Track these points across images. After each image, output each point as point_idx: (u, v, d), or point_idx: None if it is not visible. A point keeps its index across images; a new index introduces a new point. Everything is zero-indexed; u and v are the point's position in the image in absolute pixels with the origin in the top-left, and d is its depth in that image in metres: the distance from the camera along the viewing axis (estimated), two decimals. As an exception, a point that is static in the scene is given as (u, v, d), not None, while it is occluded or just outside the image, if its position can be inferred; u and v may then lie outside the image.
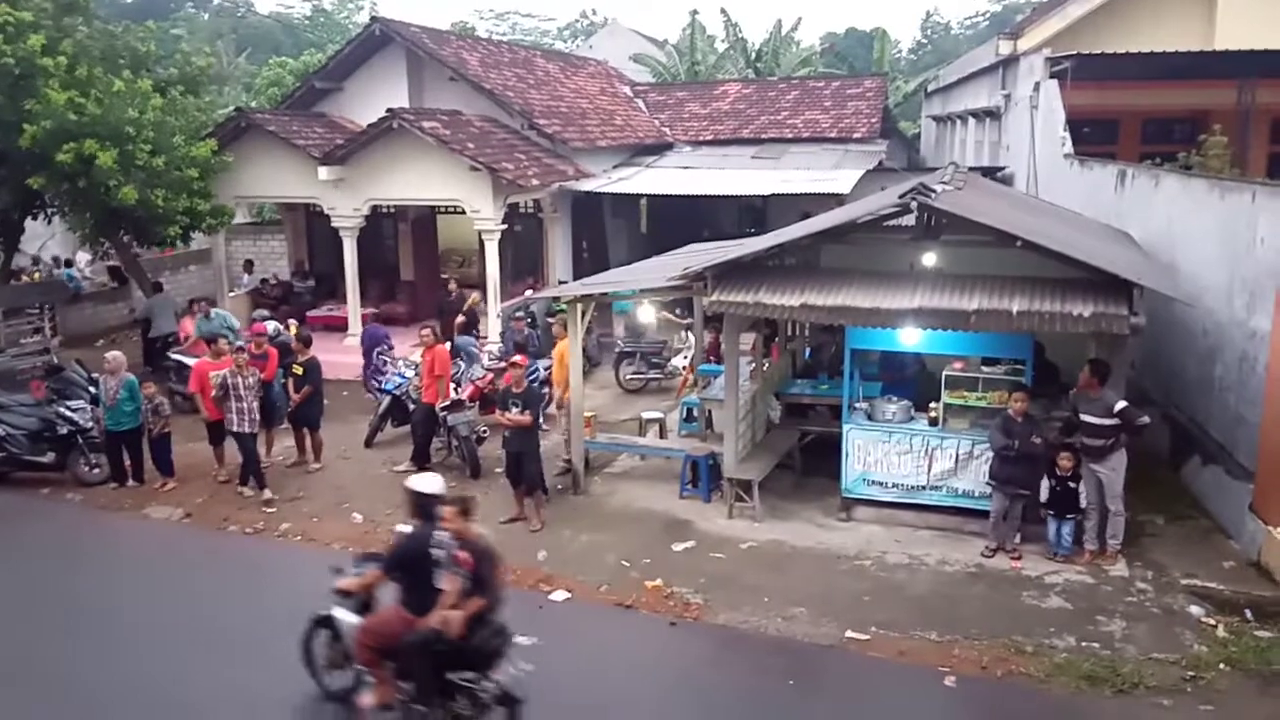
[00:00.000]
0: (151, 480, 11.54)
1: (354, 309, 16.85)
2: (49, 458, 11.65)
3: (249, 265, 20.04)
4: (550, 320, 12.06)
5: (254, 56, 42.92)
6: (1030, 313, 8.68)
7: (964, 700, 7.27)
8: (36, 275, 20.56)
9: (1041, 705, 7.16)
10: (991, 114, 21.85)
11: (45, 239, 21.90)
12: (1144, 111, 19.73)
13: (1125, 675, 7.36)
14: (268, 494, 11.07)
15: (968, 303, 8.88)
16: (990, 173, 19.08)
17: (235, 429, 11.11)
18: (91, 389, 12.10)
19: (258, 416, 11.20)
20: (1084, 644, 7.76)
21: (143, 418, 11.39)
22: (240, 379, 11.01)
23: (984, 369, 9.84)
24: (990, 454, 9.29)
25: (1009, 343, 9.57)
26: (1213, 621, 8.07)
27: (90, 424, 11.65)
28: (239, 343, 12.29)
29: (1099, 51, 16.90)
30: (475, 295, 15.86)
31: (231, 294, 17.94)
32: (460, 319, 14.91)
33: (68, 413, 11.66)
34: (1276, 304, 8.75)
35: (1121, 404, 8.90)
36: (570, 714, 7.09)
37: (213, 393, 11.18)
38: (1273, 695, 7.23)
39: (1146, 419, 9.14)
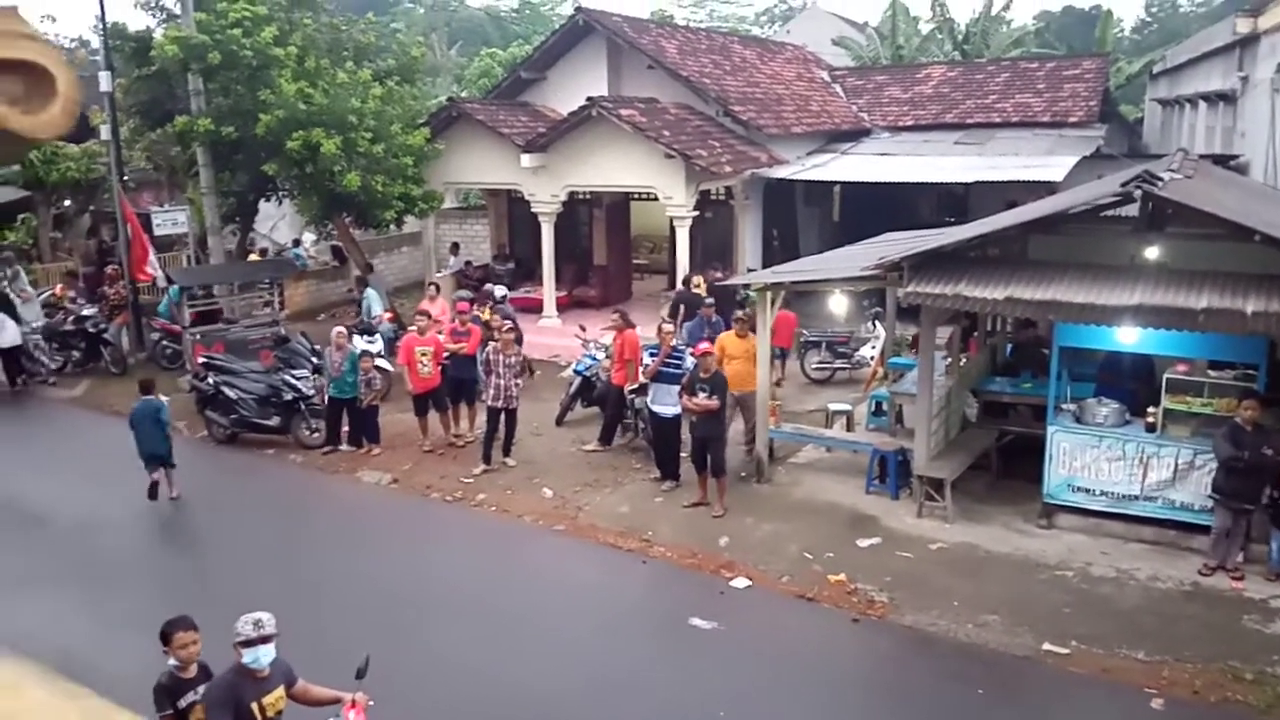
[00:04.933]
0: (364, 446, 12.38)
1: (549, 292, 17.43)
2: (274, 421, 12.71)
3: (455, 248, 21.09)
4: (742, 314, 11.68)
5: (464, 49, 45.07)
6: (1267, 314, 7.91)
7: (1173, 726, 6.77)
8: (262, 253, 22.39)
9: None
10: (1225, 98, 20.00)
11: (276, 220, 23.89)
12: None
13: (1362, 716, 6.65)
14: (511, 462, 11.65)
15: (1195, 300, 8.19)
16: (1223, 161, 17.44)
17: (492, 404, 11.48)
18: (315, 359, 13.13)
19: (515, 394, 11.51)
20: (1314, 677, 7.06)
21: (359, 389, 12.24)
22: (502, 356, 11.38)
23: (1211, 373, 9.07)
24: (1214, 465, 8.56)
25: (1240, 345, 8.79)
26: None
27: (312, 391, 12.63)
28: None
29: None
30: (697, 279, 15.75)
31: (438, 274, 18.93)
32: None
33: (293, 380, 12.68)
34: None
35: None
36: (749, 703, 7.09)
37: (421, 368, 11.90)
38: None
39: None
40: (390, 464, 11.94)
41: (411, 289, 20.65)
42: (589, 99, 16.35)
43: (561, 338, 15.81)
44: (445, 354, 12.23)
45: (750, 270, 16.69)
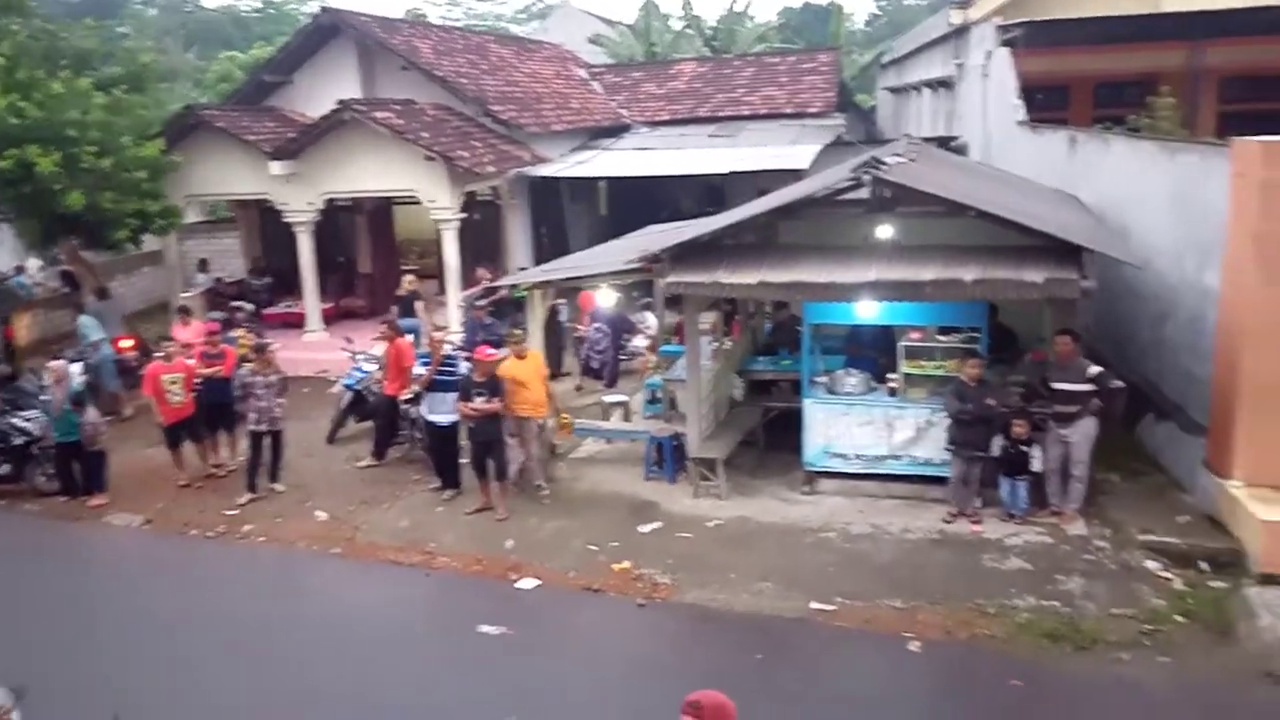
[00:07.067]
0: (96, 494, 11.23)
1: (312, 305, 16.68)
2: (4, 469, 11.46)
3: (203, 264, 19.77)
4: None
5: (203, 51, 42.18)
6: (984, 281, 8.75)
7: (928, 664, 7.37)
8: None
9: (1004, 666, 7.26)
10: (945, 84, 21.95)
11: (-7, 247, 21.47)
12: (1095, 76, 19.86)
13: (1085, 632, 7.50)
14: (280, 487, 11.07)
15: (923, 273, 8.93)
16: (944, 142, 19.18)
17: (254, 428, 10.85)
18: (45, 397, 11.91)
19: (278, 414, 10.92)
20: (1044, 603, 7.90)
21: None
22: (260, 376, 10.75)
23: (940, 338, 9.92)
24: (949, 421, 9.39)
25: (964, 311, 9.67)
26: (1169, 575, 8.23)
27: (43, 433, 11.45)
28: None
29: (1049, 18, 17.01)
30: (409, 277, 15.80)
31: (186, 294, 17.67)
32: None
33: (21, 423, 11.46)
34: (1225, 263, 8.89)
35: (1096, 369, 9.04)
36: (540, 699, 7.10)
37: (171, 397, 11.07)
38: (1228, 644, 7.39)
39: (1121, 384, 9.29)
40: (142, 504, 11.03)
41: (156, 311, 19.15)
42: (341, 102, 15.77)
43: (329, 352, 15.17)
44: (197, 379, 11.43)
45: (521, 269, 16.67)
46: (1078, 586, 8.13)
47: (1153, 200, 10.71)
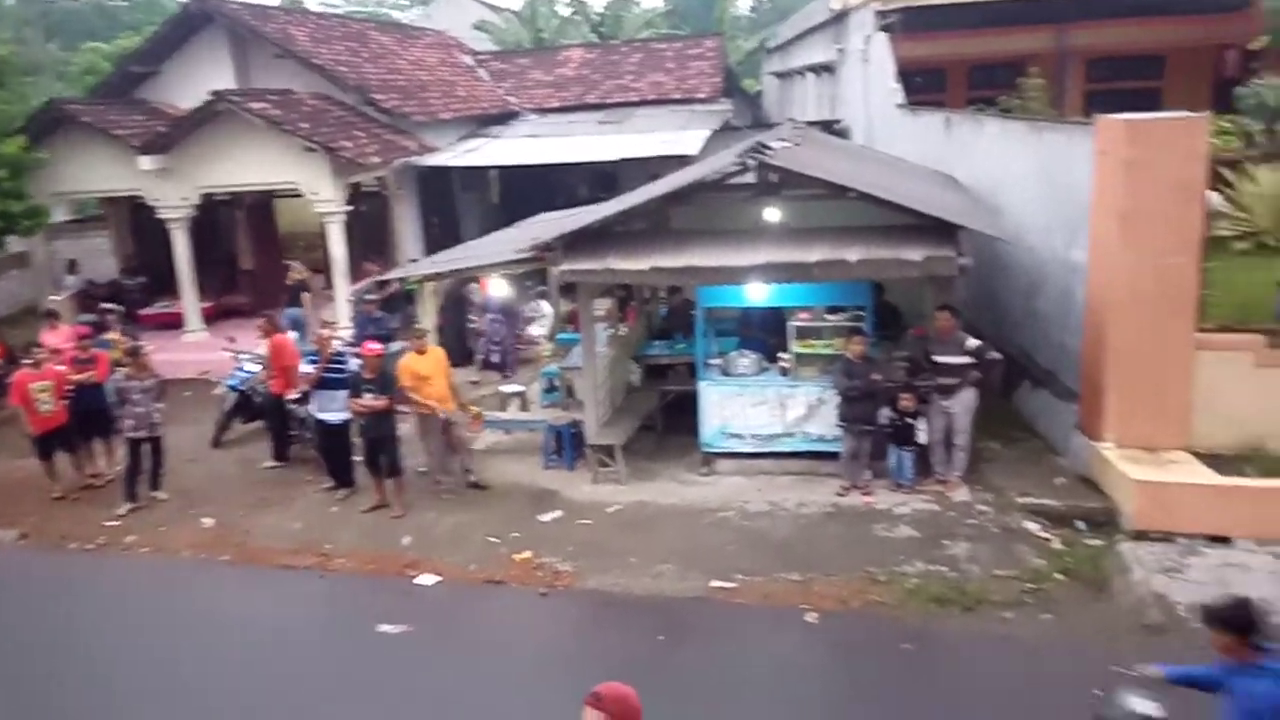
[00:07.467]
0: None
1: (191, 304, 16.05)
2: None
3: (73, 265, 18.74)
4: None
5: (66, 43, 39.94)
6: (867, 260, 9.00)
7: (824, 634, 7.57)
8: None
9: (895, 630, 7.51)
10: (828, 69, 22.41)
11: None
12: (969, 59, 20.56)
13: (971, 594, 7.82)
14: (163, 495, 10.63)
15: (809, 255, 9.12)
16: (828, 126, 19.59)
17: (131, 435, 10.36)
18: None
19: (157, 420, 10.44)
20: (932, 568, 8.20)
21: None
22: (136, 381, 10.26)
23: (829, 317, 10.15)
24: (838, 397, 9.62)
25: (850, 290, 9.93)
26: (1048, 535, 8.64)
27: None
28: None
29: (924, 3, 17.52)
30: (297, 266, 15.42)
31: (55, 298, 16.76)
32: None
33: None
34: (1090, 238, 9.34)
35: (975, 342, 9.38)
36: (444, 695, 7.02)
37: (40, 406, 10.51)
38: (1104, 599, 7.80)
39: (998, 355, 9.67)
40: (14, 518, 10.44)
41: (23, 316, 18.12)
42: (214, 93, 15.17)
43: (211, 352, 14.61)
44: (69, 386, 10.87)
45: (412, 261, 16.37)
46: (963, 551, 8.46)
47: (1024, 179, 11.16)
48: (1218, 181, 10.57)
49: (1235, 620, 4.52)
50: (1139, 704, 4.64)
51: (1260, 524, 8.20)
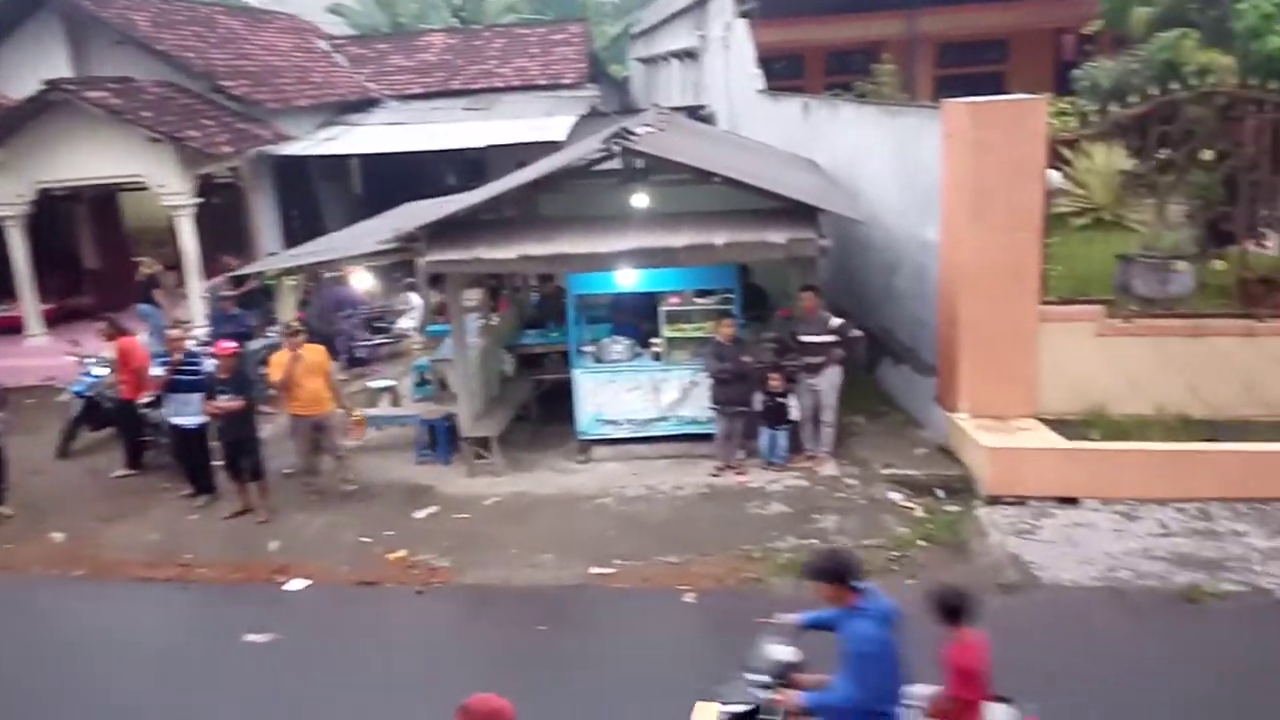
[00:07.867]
0: None
1: (31, 306, 15.02)
2: None
3: (-107, 269, 17.29)
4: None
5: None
6: (733, 244, 9.16)
7: (702, 612, 7.70)
8: None
9: (769, 605, 7.61)
10: (691, 55, 22.64)
11: None
12: (826, 45, 21.17)
13: (841, 565, 8.06)
14: (7, 510, 9.97)
15: (677, 240, 9.21)
16: (693, 111, 19.79)
17: None
18: None
19: None
20: (803, 542, 8.42)
21: None
22: None
23: (698, 301, 10.29)
24: (710, 380, 9.77)
25: (718, 274, 10.08)
26: (911, 504, 9.02)
27: None
28: None
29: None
30: (148, 260, 14.74)
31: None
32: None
33: None
34: (942, 217, 9.73)
35: (838, 321, 9.65)
36: (317, 703, 6.82)
37: None
38: (964, 561, 8.18)
39: (860, 332, 9.98)
40: None
41: None
42: (48, 82, 14.18)
43: (54, 357, 13.70)
44: None
45: (271, 255, 15.75)
46: (832, 523, 8.74)
47: (879, 161, 11.54)
48: (1057, 160, 11.19)
49: (829, 571, 4.91)
50: (778, 650, 5.10)
51: (1104, 484, 8.77)
